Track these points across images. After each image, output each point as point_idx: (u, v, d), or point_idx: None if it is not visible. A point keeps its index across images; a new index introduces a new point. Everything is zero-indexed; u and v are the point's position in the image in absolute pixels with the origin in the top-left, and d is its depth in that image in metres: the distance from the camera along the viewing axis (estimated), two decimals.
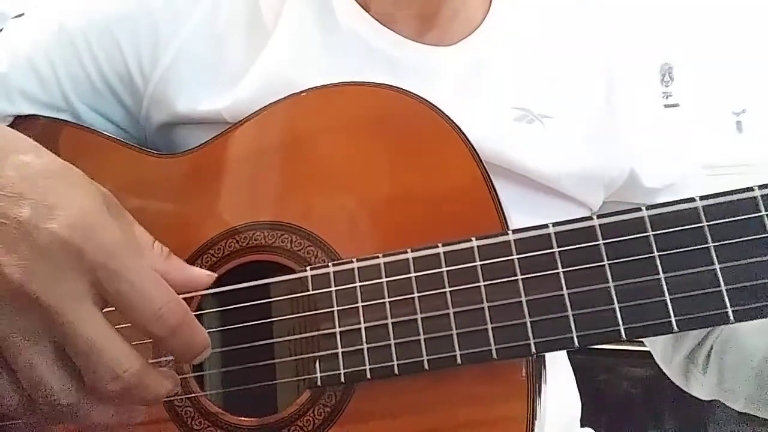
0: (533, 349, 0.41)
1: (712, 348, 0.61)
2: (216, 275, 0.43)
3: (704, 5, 1.62)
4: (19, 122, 0.58)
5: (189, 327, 0.38)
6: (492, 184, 0.46)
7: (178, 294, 0.38)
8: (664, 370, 0.68)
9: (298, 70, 0.55)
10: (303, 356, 0.46)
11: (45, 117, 0.58)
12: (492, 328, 0.41)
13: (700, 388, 0.63)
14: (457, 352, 0.42)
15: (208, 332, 0.49)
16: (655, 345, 0.68)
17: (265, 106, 0.52)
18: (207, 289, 0.44)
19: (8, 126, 0.55)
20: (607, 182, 0.60)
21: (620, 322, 0.39)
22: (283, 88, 0.52)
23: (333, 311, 0.45)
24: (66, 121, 0.59)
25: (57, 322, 0.34)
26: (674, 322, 0.39)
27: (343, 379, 0.44)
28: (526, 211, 0.51)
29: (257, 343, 0.48)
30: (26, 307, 0.34)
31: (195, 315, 0.48)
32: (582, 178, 0.58)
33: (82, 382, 0.36)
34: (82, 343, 0.34)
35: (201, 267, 0.50)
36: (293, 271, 0.48)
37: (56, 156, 0.38)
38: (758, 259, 0.38)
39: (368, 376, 0.44)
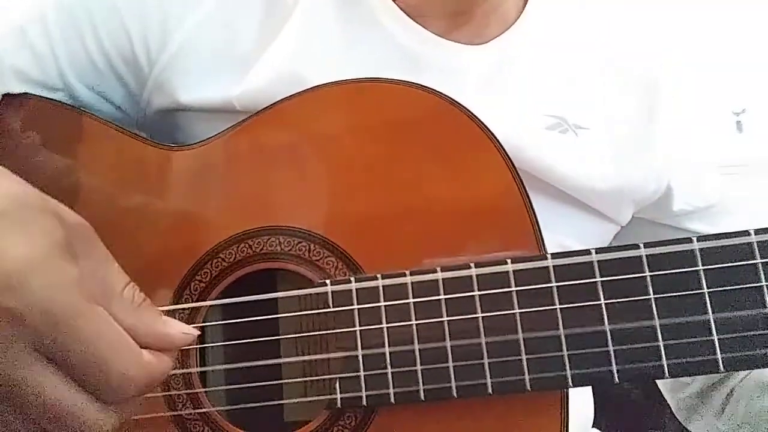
0: (570, 382, 0.39)
1: (732, 391, 0.59)
2: (197, 334, 0.36)
3: (704, 5, 1.61)
4: (8, 101, 0.54)
5: (155, 381, 0.33)
6: (528, 198, 0.44)
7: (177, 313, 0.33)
8: (667, 400, 0.66)
9: (312, 61, 0.52)
10: (319, 376, 0.44)
11: (38, 96, 0.54)
12: (526, 358, 0.40)
13: (705, 429, 0.62)
14: (488, 381, 0.40)
15: (214, 346, 0.47)
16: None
17: (281, 100, 0.49)
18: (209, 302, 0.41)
19: None
20: (639, 199, 0.58)
21: (664, 359, 0.38)
22: (297, 79, 0.49)
23: (356, 331, 0.43)
24: (62, 102, 0.55)
25: (12, 393, 0.29)
26: (721, 362, 0.37)
27: (364, 402, 0.42)
28: (553, 222, 0.49)
29: (270, 362, 0.45)
30: None
31: (201, 326, 0.47)
32: (614, 193, 0.56)
33: None
34: (46, 411, 0.30)
35: (211, 272, 0.48)
36: (309, 281, 0.46)
37: (13, 181, 0.31)
38: None
39: (392, 400, 0.42)
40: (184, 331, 0.35)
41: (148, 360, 0.32)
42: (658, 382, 0.67)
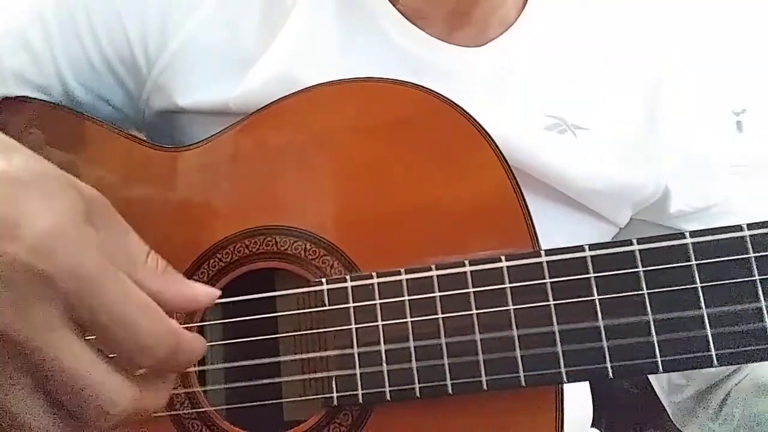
0: (565, 378, 0.39)
1: (729, 394, 0.59)
2: (219, 292, 0.37)
3: (704, 5, 1.61)
4: (7, 105, 0.54)
5: (182, 352, 0.33)
6: (522, 196, 0.44)
7: (176, 313, 0.33)
8: (663, 402, 0.66)
9: (310, 64, 0.52)
10: (316, 374, 0.44)
11: (36, 99, 0.55)
12: (521, 354, 0.40)
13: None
14: (483, 378, 0.40)
15: (212, 344, 0.47)
16: (659, 377, 0.66)
17: (277, 99, 0.49)
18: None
19: None
20: (638, 201, 0.58)
21: (658, 354, 0.38)
22: (294, 82, 0.49)
23: (351, 329, 0.43)
24: (60, 105, 0.55)
25: (32, 357, 0.29)
26: (714, 357, 0.37)
27: (361, 400, 0.43)
28: (550, 223, 0.49)
29: (266, 360, 0.45)
30: None
31: (199, 325, 0.48)
32: (612, 195, 0.55)
33: (70, 420, 0.31)
34: (64, 379, 0.30)
35: (208, 272, 0.49)
36: (305, 280, 0.46)
37: (32, 156, 0.32)
38: None
39: (388, 398, 0.42)
40: (207, 292, 0.36)
41: (176, 324, 0.33)
42: (655, 385, 0.67)
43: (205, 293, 0.36)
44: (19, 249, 0.29)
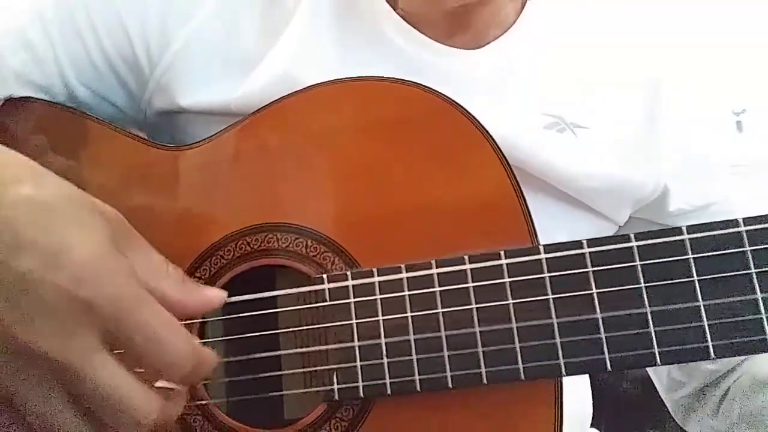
0: (564, 371, 0.39)
1: (728, 390, 0.59)
2: (226, 293, 0.40)
3: (704, 5, 1.62)
4: (11, 106, 0.54)
5: (201, 366, 0.36)
6: (522, 194, 0.44)
7: (194, 317, 0.36)
8: (664, 400, 0.67)
9: (311, 66, 0.53)
10: (317, 368, 0.45)
11: (40, 100, 0.55)
12: (520, 347, 0.40)
13: (701, 428, 0.62)
14: (483, 371, 0.41)
15: (214, 341, 0.48)
16: (660, 375, 0.66)
17: (277, 99, 0.49)
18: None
19: None
20: (637, 199, 0.58)
21: (655, 346, 0.38)
22: (294, 84, 0.49)
23: (352, 324, 0.43)
24: (63, 105, 0.55)
25: (71, 376, 0.32)
26: (711, 349, 0.38)
27: (362, 394, 0.43)
28: (550, 221, 0.49)
29: (268, 354, 0.46)
30: (35, 364, 0.31)
31: (201, 322, 0.48)
32: (612, 193, 0.56)
33: (103, 430, 0.34)
34: (100, 395, 0.32)
35: (210, 269, 0.49)
36: (307, 277, 0.46)
37: (58, 181, 0.34)
38: None
39: (388, 391, 0.42)
40: (218, 294, 0.40)
41: (197, 343, 0.36)
42: (655, 381, 0.68)
43: (217, 296, 0.39)
44: (62, 278, 0.31)
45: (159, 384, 0.36)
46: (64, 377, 0.32)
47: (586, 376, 0.62)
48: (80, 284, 0.31)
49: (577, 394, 0.59)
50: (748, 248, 0.38)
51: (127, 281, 0.33)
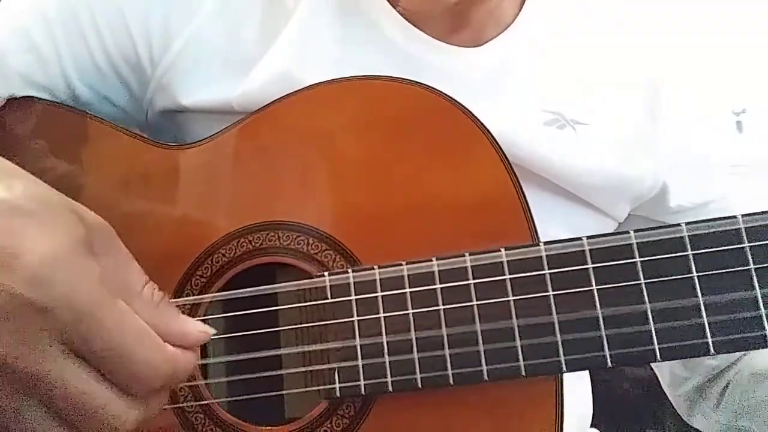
0: (564, 367, 0.40)
1: (728, 384, 0.59)
2: (213, 331, 0.37)
3: (704, 5, 1.62)
4: (14, 106, 0.55)
5: (178, 374, 0.34)
6: (522, 191, 0.44)
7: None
8: (668, 396, 0.67)
9: (311, 64, 0.53)
10: (318, 366, 0.45)
11: (42, 100, 0.55)
12: (521, 344, 0.40)
13: (706, 422, 0.62)
14: (484, 368, 0.41)
15: (215, 338, 0.48)
16: (663, 371, 0.67)
17: (278, 98, 0.50)
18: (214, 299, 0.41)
19: (1, 108, 0.53)
20: (636, 195, 0.58)
21: (655, 343, 0.38)
22: (294, 82, 0.50)
23: (353, 321, 0.44)
24: (65, 105, 0.56)
25: (37, 384, 0.30)
26: (711, 345, 0.38)
27: (363, 391, 0.43)
28: (550, 217, 0.49)
29: (268, 353, 0.46)
30: (4, 378, 0.30)
31: (203, 319, 0.48)
32: (611, 189, 0.56)
33: None
34: (72, 404, 0.30)
35: (212, 267, 0.49)
36: (308, 275, 0.46)
37: (33, 182, 0.32)
38: None
39: (390, 389, 0.42)
40: (200, 330, 0.36)
41: (172, 351, 0.33)
42: (659, 377, 0.68)
43: (196, 332, 0.35)
44: (15, 280, 0.29)
45: None
46: (32, 386, 0.30)
47: (587, 377, 0.62)
48: (33, 287, 0.29)
49: (578, 393, 0.59)
50: (747, 244, 0.38)
51: (87, 285, 0.30)
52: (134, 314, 0.32)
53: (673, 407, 0.69)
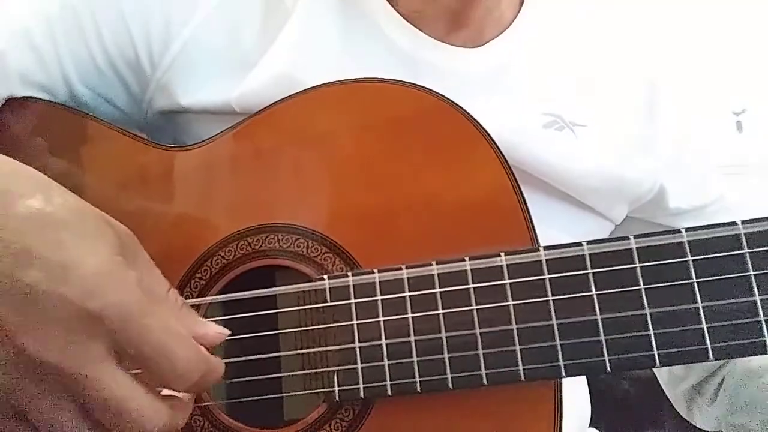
0: (564, 372, 0.40)
1: (723, 380, 0.60)
2: (228, 332, 0.39)
3: (704, 5, 1.62)
4: (13, 105, 0.54)
5: (209, 375, 0.36)
6: (521, 193, 0.44)
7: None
8: (667, 394, 0.67)
9: (310, 64, 0.53)
10: (317, 369, 0.45)
11: (41, 100, 0.55)
12: (520, 349, 0.40)
13: (704, 419, 0.63)
14: (483, 372, 0.41)
15: None
16: (661, 370, 0.67)
17: (279, 100, 0.50)
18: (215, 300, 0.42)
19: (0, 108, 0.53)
20: (634, 197, 0.58)
21: (654, 348, 0.38)
22: (294, 82, 0.50)
23: (353, 324, 0.44)
24: (65, 105, 0.55)
25: (79, 387, 0.32)
26: (710, 351, 0.38)
27: (362, 395, 0.43)
28: (548, 219, 0.49)
29: (267, 356, 0.46)
30: (44, 376, 0.32)
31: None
32: (610, 191, 0.56)
33: None
34: (108, 405, 0.32)
35: (210, 269, 0.49)
36: (307, 277, 0.46)
37: (67, 194, 0.34)
38: None
39: (389, 392, 0.42)
40: (217, 331, 0.38)
41: (204, 351, 0.36)
42: (658, 375, 0.68)
43: (214, 332, 0.38)
44: (69, 291, 0.31)
45: (165, 392, 0.36)
46: (73, 388, 0.32)
47: (584, 378, 0.62)
48: (88, 296, 0.31)
49: (575, 395, 0.60)
50: (746, 250, 0.38)
51: (133, 292, 0.33)
52: (172, 318, 0.35)
53: (672, 407, 0.69)
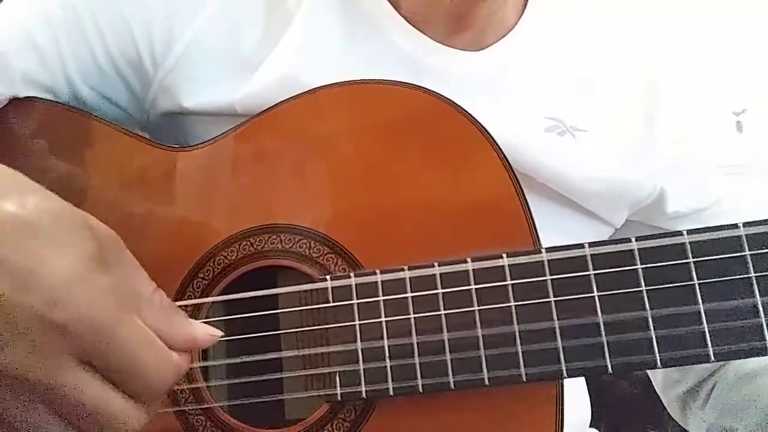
0: (565, 374, 0.40)
1: (715, 385, 0.60)
2: (221, 334, 0.38)
3: (704, 5, 1.62)
4: (16, 106, 0.55)
5: (179, 378, 0.36)
6: (524, 196, 0.45)
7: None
8: (662, 400, 0.67)
9: (313, 66, 0.53)
10: (319, 370, 0.45)
11: (44, 100, 0.55)
12: (522, 350, 0.40)
13: (697, 423, 0.63)
14: (485, 374, 0.41)
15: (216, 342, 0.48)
16: (656, 374, 0.67)
17: (281, 102, 0.50)
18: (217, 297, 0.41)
19: (3, 109, 0.53)
20: (634, 201, 0.59)
21: (656, 350, 0.39)
22: (297, 84, 0.50)
23: (355, 325, 0.44)
24: (67, 106, 0.56)
25: (51, 396, 0.32)
26: (711, 352, 0.38)
27: (364, 395, 0.43)
28: (549, 224, 0.49)
29: (269, 356, 0.46)
30: (15, 386, 0.31)
31: (205, 322, 0.48)
32: (610, 196, 0.56)
33: None
34: (82, 412, 0.32)
35: (213, 270, 0.49)
36: (310, 278, 0.46)
37: (44, 195, 0.32)
38: None
39: (391, 393, 0.43)
40: (208, 332, 0.37)
41: (176, 359, 0.35)
42: (653, 380, 0.68)
43: (204, 334, 0.37)
44: (33, 300, 0.30)
45: None
46: (46, 396, 0.31)
47: (582, 378, 0.62)
48: (53, 307, 0.30)
49: (576, 394, 0.60)
50: (748, 252, 0.38)
51: (104, 302, 0.32)
52: (145, 327, 0.34)
53: None
